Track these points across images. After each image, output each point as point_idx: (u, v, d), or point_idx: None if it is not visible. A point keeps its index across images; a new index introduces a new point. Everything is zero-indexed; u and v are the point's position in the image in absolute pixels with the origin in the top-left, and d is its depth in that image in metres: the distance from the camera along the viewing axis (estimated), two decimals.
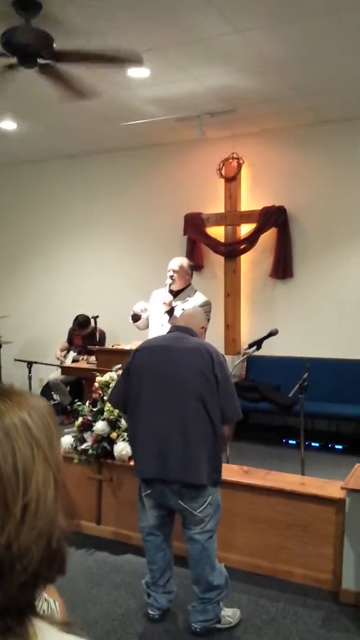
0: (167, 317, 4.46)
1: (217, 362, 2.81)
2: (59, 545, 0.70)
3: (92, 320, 6.32)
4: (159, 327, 4.56)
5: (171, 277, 4.53)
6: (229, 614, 2.96)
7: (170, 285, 4.53)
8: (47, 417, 0.73)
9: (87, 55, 3.85)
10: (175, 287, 4.54)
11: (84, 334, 6.78)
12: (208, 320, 4.42)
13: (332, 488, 3.36)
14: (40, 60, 3.77)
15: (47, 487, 0.69)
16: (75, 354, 6.76)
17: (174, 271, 4.54)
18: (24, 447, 0.68)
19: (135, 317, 4.69)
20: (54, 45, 3.68)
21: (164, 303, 4.39)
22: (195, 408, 2.75)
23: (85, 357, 6.19)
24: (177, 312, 4.40)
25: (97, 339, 6.35)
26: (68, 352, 7.07)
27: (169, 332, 3.18)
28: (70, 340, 7.14)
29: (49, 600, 1.45)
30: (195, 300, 4.53)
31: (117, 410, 3.91)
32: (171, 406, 2.79)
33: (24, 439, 0.69)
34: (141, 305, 4.65)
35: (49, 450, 0.70)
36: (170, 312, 4.39)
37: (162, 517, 2.93)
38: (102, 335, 6.72)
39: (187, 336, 2.95)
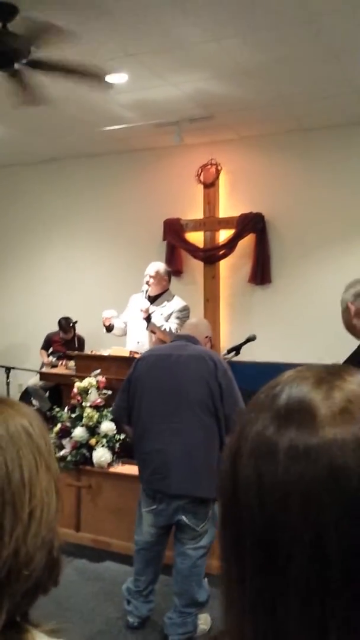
0: (143, 323, 4.44)
1: (220, 370, 2.76)
2: (58, 555, 0.71)
3: (72, 328, 6.29)
4: (137, 331, 4.55)
5: (147, 282, 4.52)
6: (202, 622, 2.93)
7: (147, 291, 4.51)
8: (43, 425, 0.73)
9: (62, 66, 3.84)
10: (152, 293, 4.53)
11: (67, 338, 6.73)
12: None
13: None
14: (16, 65, 3.76)
15: (50, 495, 0.70)
16: (54, 359, 6.71)
17: (150, 276, 4.53)
18: (29, 454, 0.68)
19: (108, 329, 4.67)
20: (31, 50, 3.67)
21: (141, 310, 4.37)
22: (200, 418, 2.70)
23: (64, 362, 6.14)
24: (155, 319, 4.39)
25: (77, 345, 6.32)
26: (48, 357, 7.02)
27: (172, 341, 3.13)
28: (47, 346, 7.07)
29: None
30: (173, 305, 4.52)
31: (96, 417, 3.90)
32: (174, 416, 2.73)
33: (27, 446, 0.69)
34: (107, 314, 4.61)
35: (49, 458, 0.71)
36: (148, 319, 4.38)
37: (159, 535, 2.88)
38: (81, 340, 6.68)
39: (191, 344, 2.90)
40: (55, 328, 6.92)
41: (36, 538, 0.66)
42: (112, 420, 3.92)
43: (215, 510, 2.84)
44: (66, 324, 6.64)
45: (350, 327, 2.39)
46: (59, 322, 6.77)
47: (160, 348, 3.12)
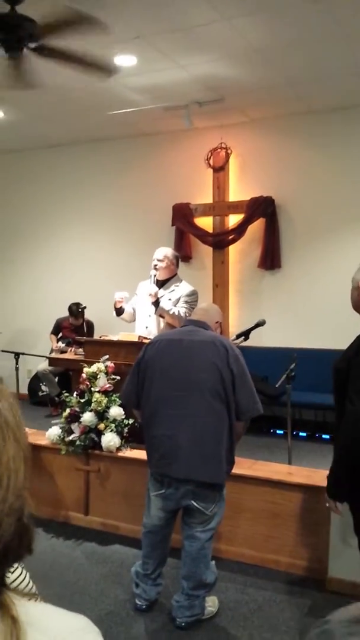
0: (154, 308, 4.44)
1: (232, 356, 2.73)
2: (29, 522, 0.74)
3: (81, 313, 6.30)
4: (145, 317, 4.55)
5: (155, 266, 4.50)
6: (210, 604, 2.96)
7: (155, 275, 4.50)
8: (12, 399, 0.76)
9: (68, 55, 3.79)
10: (160, 277, 4.52)
11: (77, 324, 6.74)
12: (194, 309, 4.42)
13: (318, 477, 3.37)
14: (25, 50, 3.72)
15: (17, 464, 0.72)
16: (63, 345, 6.73)
17: (158, 260, 4.51)
18: None
19: (119, 312, 4.67)
20: (39, 35, 3.62)
21: (150, 294, 4.37)
22: (209, 403, 2.68)
23: (73, 348, 6.16)
24: (164, 303, 4.39)
25: (86, 330, 6.33)
26: (57, 342, 7.04)
27: (183, 326, 3.10)
28: (57, 331, 7.09)
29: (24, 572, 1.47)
30: (182, 290, 4.51)
31: (104, 402, 3.91)
32: (183, 402, 2.72)
33: None
34: (119, 295, 4.62)
35: (17, 431, 0.74)
36: (156, 303, 4.37)
37: (167, 519, 2.89)
38: (91, 326, 6.69)
39: (201, 330, 2.88)
40: (64, 313, 6.94)
41: (3, 504, 0.69)
42: (120, 405, 3.93)
43: (224, 494, 2.85)
44: (77, 310, 6.64)
45: (358, 308, 2.38)
46: (70, 308, 6.78)
47: (170, 333, 3.10)
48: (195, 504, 2.73)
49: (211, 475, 2.70)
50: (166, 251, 4.58)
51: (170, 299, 4.44)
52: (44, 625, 0.73)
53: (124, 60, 4.77)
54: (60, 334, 7.00)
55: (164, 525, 2.90)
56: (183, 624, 2.83)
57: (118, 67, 4.72)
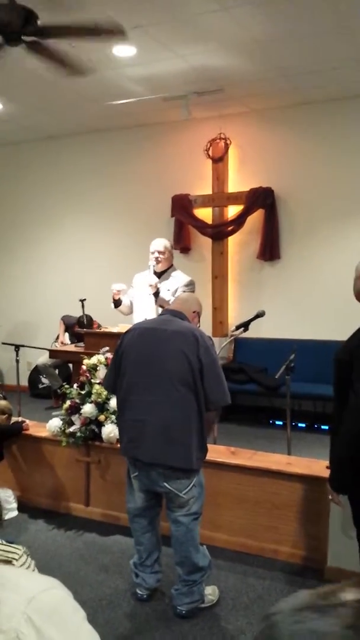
0: (152, 299, 4.44)
1: (202, 346, 2.78)
2: None
3: (80, 303, 6.24)
4: (144, 310, 4.55)
5: (157, 259, 4.50)
6: (210, 592, 3.00)
7: (153, 266, 4.50)
8: None
9: (70, 29, 3.77)
10: (159, 269, 4.53)
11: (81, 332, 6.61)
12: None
13: (318, 467, 3.40)
14: (26, 38, 3.70)
15: None
16: (69, 343, 6.72)
17: (159, 252, 4.51)
18: None
19: (117, 303, 4.67)
20: (38, 21, 3.61)
21: (150, 285, 4.37)
22: (178, 391, 2.74)
23: (75, 343, 6.13)
24: (163, 294, 4.39)
25: (85, 323, 6.29)
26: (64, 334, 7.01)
27: (159, 315, 3.17)
28: (67, 328, 7.01)
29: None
30: (179, 280, 4.51)
31: (105, 393, 3.93)
32: (153, 389, 2.79)
33: None
34: (116, 287, 4.61)
35: None
36: (157, 294, 4.37)
37: (149, 499, 2.94)
38: (89, 320, 6.65)
39: (176, 319, 2.93)
40: (64, 305, 6.90)
41: None
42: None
43: (201, 478, 2.88)
44: (86, 324, 5.93)
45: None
46: (79, 320, 6.50)
47: (146, 322, 3.15)
48: (167, 486, 2.79)
49: (177, 459, 2.75)
50: (165, 242, 4.59)
51: (168, 289, 4.45)
52: (15, 585, 0.75)
53: (123, 50, 4.75)
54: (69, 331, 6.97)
55: (148, 507, 2.96)
56: (183, 612, 2.86)
57: (114, 57, 4.70)
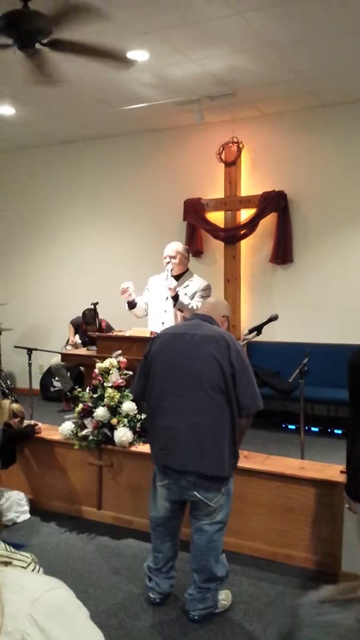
0: (169, 303, 4.43)
1: (234, 351, 2.74)
2: None
3: (93, 307, 6.24)
4: (160, 313, 4.54)
5: (168, 263, 4.50)
6: (223, 597, 2.97)
7: (171, 270, 4.49)
8: None
9: (84, 48, 3.79)
10: (174, 272, 4.52)
11: (92, 331, 6.69)
12: None
13: (331, 472, 3.37)
14: (38, 45, 3.72)
15: None
16: (79, 342, 6.74)
17: (170, 257, 4.51)
18: None
19: (131, 305, 4.65)
20: (53, 30, 3.63)
21: (169, 288, 4.35)
22: (211, 397, 2.69)
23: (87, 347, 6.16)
24: (182, 297, 4.38)
25: (104, 330, 6.29)
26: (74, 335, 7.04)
27: (189, 319, 3.11)
28: (76, 328, 7.05)
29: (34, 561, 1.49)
30: (196, 284, 4.51)
31: (117, 397, 3.93)
32: (184, 394, 2.74)
33: None
34: (125, 284, 4.57)
35: None
36: (175, 297, 4.36)
37: (173, 509, 2.90)
38: (108, 327, 6.66)
39: (206, 324, 2.89)
40: (76, 308, 6.93)
41: None
42: (133, 400, 3.95)
43: (230, 486, 2.86)
44: (90, 317, 6.22)
45: None
46: (83, 314, 6.66)
47: (175, 327, 3.12)
48: (197, 495, 2.75)
49: (210, 467, 2.71)
50: (177, 246, 4.57)
51: (186, 294, 4.44)
52: (19, 585, 0.76)
53: (136, 55, 4.76)
54: (79, 332, 7.00)
55: (171, 517, 2.92)
56: (196, 617, 2.84)
57: (132, 59, 4.71)
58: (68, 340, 7.01)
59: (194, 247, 6.76)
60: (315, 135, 6.25)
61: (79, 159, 7.63)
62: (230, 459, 2.77)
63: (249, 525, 3.52)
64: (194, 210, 6.71)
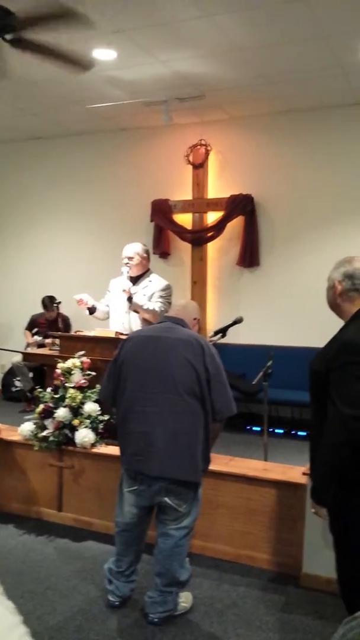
0: (127, 305, 4.39)
1: (208, 355, 2.71)
2: None
3: (55, 307, 6.20)
4: (121, 314, 4.50)
5: (126, 264, 4.46)
6: (183, 600, 2.93)
7: (127, 272, 4.45)
8: None
9: (45, 49, 3.72)
10: (132, 274, 4.48)
11: (51, 317, 6.66)
12: (169, 304, 4.38)
13: (293, 473, 3.38)
14: (6, 36, 3.64)
15: None
16: (39, 338, 6.65)
17: (128, 258, 4.47)
18: None
19: (91, 311, 4.62)
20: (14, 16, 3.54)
21: (124, 291, 4.32)
22: (186, 402, 2.66)
23: (51, 340, 6.10)
24: (137, 298, 4.35)
25: (62, 325, 6.26)
26: (32, 337, 6.95)
27: (160, 322, 3.05)
28: (31, 327, 7.00)
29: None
30: (155, 285, 4.47)
31: (79, 397, 3.87)
32: (158, 399, 2.69)
33: None
34: (78, 296, 4.55)
35: None
36: (130, 299, 4.33)
37: (140, 516, 2.84)
38: (66, 321, 6.62)
39: (178, 327, 2.85)
40: (40, 308, 6.85)
41: None
42: (95, 401, 3.90)
43: (199, 492, 2.83)
44: (49, 303, 6.59)
45: (334, 306, 2.36)
46: (42, 301, 6.73)
47: (147, 329, 3.07)
48: (168, 501, 2.71)
49: (185, 473, 2.68)
50: (135, 247, 4.52)
51: (144, 295, 4.41)
52: None
53: (104, 54, 4.73)
54: (36, 329, 6.92)
55: (137, 523, 2.86)
56: (156, 620, 2.80)
57: (95, 61, 4.67)
58: (28, 344, 6.91)
59: (161, 249, 6.74)
60: (282, 139, 6.30)
61: (49, 156, 7.53)
62: (202, 464, 2.74)
63: (211, 526, 3.50)
64: (162, 212, 6.69)
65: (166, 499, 2.70)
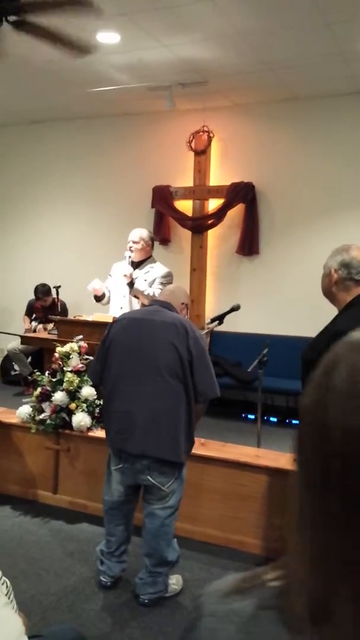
0: (128, 289, 4.43)
1: (192, 338, 2.77)
2: None
3: (54, 291, 6.23)
4: (120, 299, 4.54)
5: (130, 248, 4.50)
6: (174, 582, 3.00)
7: (130, 257, 4.50)
8: None
9: (47, 32, 3.71)
10: (135, 259, 4.52)
11: (45, 304, 6.70)
12: None
13: (285, 460, 3.43)
14: (10, 18, 3.63)
15: None
16: (36, 324, 6.70)
17: (133, 242, 4.51)
18: None
19: (97, 298, 4.67)
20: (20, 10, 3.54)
21: (125, 275, 4.36)
22: (168, 383, 2.72)
23: (44, 325, 6.16)
24: (138, 284, 4.38)
25: (59, 310, 6.30)
26: (30, 323, 7.00)
27: (148, 305, 3.13)
28: (29, 313, 7.04)
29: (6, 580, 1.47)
30: (157, 271, 4.51)
31: (76, 381, 3.91)
32: (141, 379, 2.76)
33: None
34: (93, 285, 4.59)
35: None
36: (131, 284, 4.37)
37: (127, 494, 2.91)
38: (64, 306, 6.65)
39: (165, 310, 2.91)
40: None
41: None
42: (92, 385, 3.94)
43: (183, 472, 2.89)
44: (42, 290, 6.64)
45: (329, 294, 2.38)
46: (35, 289, 6.78)
47: (134, 312, 3.14)
48: (151, 479, 2.77)
49: (166, 452, 2.74)
50: (141, 232, 4.57)
51: (145, 280, 4.44)
52: None
53: (107, 37, 4.70)
54: (34, 315, 6.97)
55: (125, 501, 2.94)
56: (146, 601, 2.87)
57: (97, 45, 4.64)
58: (26, 330, 6.95)
59: (161, 235, 6.75)
60: (285, 128, 6.28)
61: (49, 140, 7.50)
62: (185, 445, 2.79)
63: (202, 511, 3.56)
64: (163, 198, 6.69)
65: (149, 477, 2.78)
